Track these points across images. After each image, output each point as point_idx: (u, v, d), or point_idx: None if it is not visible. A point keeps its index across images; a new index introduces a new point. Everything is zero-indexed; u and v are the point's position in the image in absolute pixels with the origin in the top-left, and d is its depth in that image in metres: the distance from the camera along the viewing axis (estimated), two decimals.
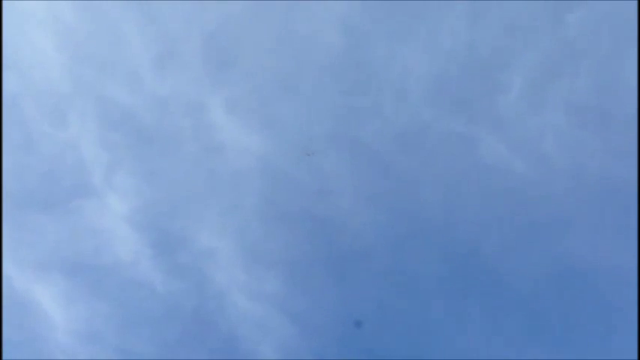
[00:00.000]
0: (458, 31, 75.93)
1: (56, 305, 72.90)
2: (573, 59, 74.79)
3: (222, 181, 76.64)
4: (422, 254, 75.03)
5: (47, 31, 75.67)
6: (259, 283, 74.39)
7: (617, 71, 73.48)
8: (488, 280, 74.02)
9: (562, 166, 74.31)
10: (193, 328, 73.56)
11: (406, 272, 74.72)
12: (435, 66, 76.66)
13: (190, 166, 76.47)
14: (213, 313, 73.86)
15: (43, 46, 75.67)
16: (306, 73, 77.43)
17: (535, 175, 74.61)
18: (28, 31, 75.50)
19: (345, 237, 75.80)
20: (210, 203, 76.25)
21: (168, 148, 76.42)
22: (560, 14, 74.25)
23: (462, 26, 75.85)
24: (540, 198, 74.48)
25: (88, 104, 76.25)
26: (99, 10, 75.55)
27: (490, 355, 70.61)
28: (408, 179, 76.29)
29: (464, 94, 76.31)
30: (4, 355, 67.77)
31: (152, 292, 73.80)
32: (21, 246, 73.01)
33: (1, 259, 70.03)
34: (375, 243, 75.49)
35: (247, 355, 72.66)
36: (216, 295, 74.18)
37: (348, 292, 74.55)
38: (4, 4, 73.02)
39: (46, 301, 72.72)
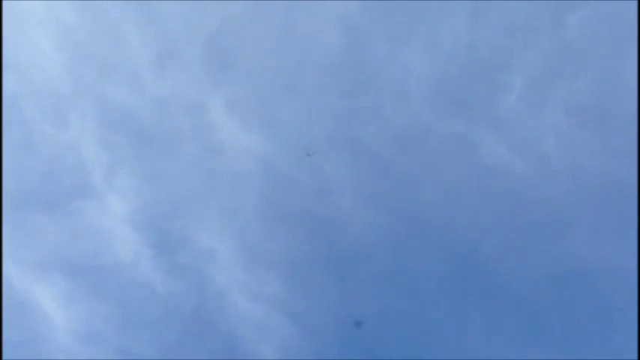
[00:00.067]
0: (458, 31, 76.03)
1: (56, 305, 72.94)
2: (573, 60, 74.91)
3: (222, 182, 76.73)
4: (422, 255, 75.15)
5: (47, 31, 75.72)
6: (259, 284, 74.46)
7: (618, 72, 73.57)
8: (489, 281, 74.15)
9: (562, 166, 74.41)
10: (193, 328, 73.64)
11: (406, 272, 74.82)
12: (435, 67, 76.76)
13: (190, 166, 76.52)
14: (214, 313, 73.92)
15: (44, 46, 75.70)
16: (306, 74, 77.50)
17: (535, 176, 74.73)
18: (28, 31, 75.51)
19: (345, 237, 75.94)
20: (211, 204, 76.33)
21: (168, 149, 76.51)
22: (560, 15, 74.32)
23: (462, 27, 75.94)
24: (540, 198, 74.59)
25: (88, 105, 76.34)
26: (99, 10, 75.55)
27: (490, 355, 70.63)
28: (408, 180, 76.39)
29: (464, 95, 76.40)
30: (5, 356, 67.70)
31: (152, 293, 73.88)
32: (21, 246, 73.05)
33: (1, 260, 69.98)
34: (375, 243, 75.61)
35: (247, 356, 72.77)
36: (217, 296, 74.29)
37: (348, 293, 74.67)
38: (5, 4, 72.95)
39: (46, 301, 72.78)
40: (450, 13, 75.87)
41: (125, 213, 75.19)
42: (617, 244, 72.22)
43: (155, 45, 76.69)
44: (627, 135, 71.77)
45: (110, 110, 76.34)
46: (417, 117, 76.72)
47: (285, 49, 77.43)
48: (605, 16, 73.33)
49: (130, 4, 75.61)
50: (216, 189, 76.43)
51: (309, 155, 74.40)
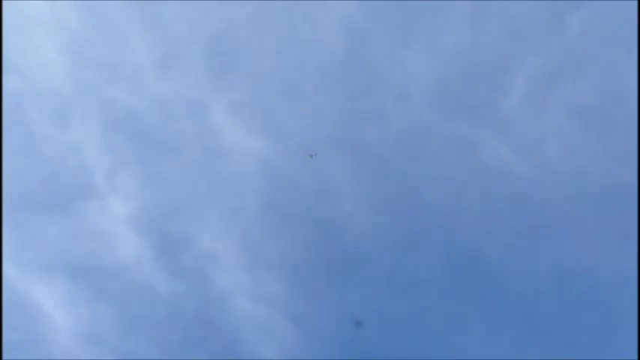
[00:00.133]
0: (460, 33, 76.32)
1: (58, 307, 72.73)
2: (575, 62, 75.31)
3: (224, 184, 76.75)
4: (424, 256, 75.25)
5: (49, 32, 75.70)
6: (261, 285, 74.40)
7: (619, 74, 73.96)
8: (490, 282, 74.24)
9: (564, 168, 74.72)
10: (195, 329, 73.43)
11: (408, 274, 74.87)
12: (437, 68, 77.01)
13: (192, 168, 76.58)
14: (215, 315, 73.79)
15: (45, 47, 75.71)
16: (308, 76, 77.70)
17: (537, 178, 75.03)
18: (30, 32, 75.47)
19: (347, 239, 75.96)
20: (212, 205, 76.30)
21: (170, 151, 76.53)
22: (561, 16, 74.62)
23: (464, 28, 76.29)
24: (542, 200, 74.80)
25: (90, 106, 76.34)
26: (102, 12, 75.60)
27: (491, 356, 70.65)
28: (410, 182, 76.53)
29: (466, 97, 76.63)
30: (5, 356, 67.43)
31: (154, 294, 73.66)
32: (23, 247, 72.83)
33: (1, 260, 69.81)
34: (377, 245, 75.67)
35: (249, 357, 72.66)
36: (218, 297, 74.15)
37: (350, 295, 74.58)
38: (6, 5, 72.88)
39: (47, 302, 72.56)
40: (452, 15, 76.24)
41: (127, 214, 75.17)
42: (618, 246, 72.46)
43: (157, 47, 76.83)
44: (629, 137, 72.07)
45: (112, 112, 76.40)
46: (418, 119, 77.01)
47: (287, 51, 77.66)
48: (606, 17, 73.74)
49: (133, 6, 75.68)
50: (218, 191, 76.53)
51: (311, 157, 74.48)
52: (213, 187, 76.50)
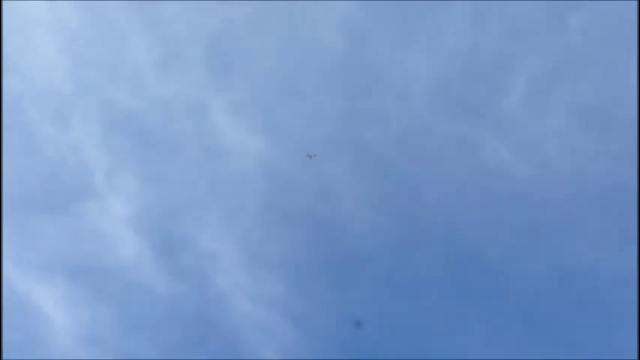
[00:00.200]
0: (460, 33, 76.38)
1: (58, 307, 72.70)
2: (575, 62, 75.39)
3: (224, 184, 76.77)
4: (423, 256, 75.28)
5: (50, 33, 75.68)
6: (261, 286, 74.39)
7: (620, 74, 73.96)
8: (490, 282, 74.24)
9: (564, 169, 74.77)
10: (195, 330, 73.40)
11: (408, 274, 74.89)
12: (437, 68, 77.08)
13: (192, 168, 76.61)
14: (215, 315, 73.75)
15: (46, 47, 75.70)
16: (308, 76, 77.73)
17: (537, 178, 75.06)
18: (30, 33, 75.45)
19: (347, 239, 75.98)
20: (213, 205, 76.33)
21: (170, 151, 76.55)
22: (561, 16, 74.66)
23: (464, 29, 76.36)
24: (542, 201, 74.85)
25: (90, 106, 76.36)
26: (102, 12, 75.59)
27: (492, 356, 70.66)
28: (410, 182, 76.56)
29: (466, 97, 76.68)
30: (5, 356, 67.37)
31: (154, 295, 73.62)
32: (23, 248, 72.80)
33: (1, 261, 69.76)
34: (377, 245, 75.70)
35: (249, 357, 72.64)
36: (218, 298, 74.10)
37: (350, 295, 74.57)
38: (7, 5, 72.82)
39: (47, 303, 72.52)
40: (452, 15, 76.33)
41: (127, 215, 75.16)
42: (618, 246, 72.50)
43: (157, 47, 76.89)
44: (629, 137, 72.11)
45: (112, 112, 76.43)
46: (418, 119, 77.08)
47: (287, 51, 77.70)
48: (606, 17, 73.79)
49: (133, 6, 75.72)
50: (218, 191, 76.55)
51: (311, 157, 74.44)
52: (213, 187, 76.57)
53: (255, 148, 76.62)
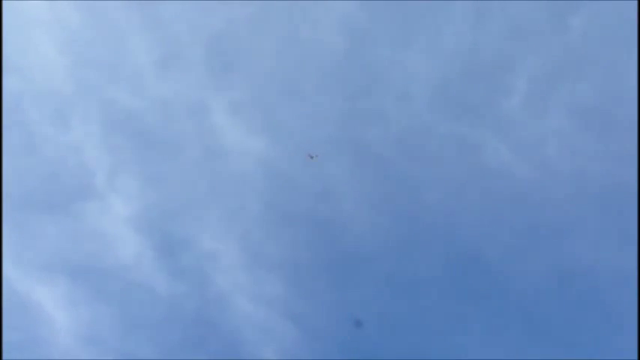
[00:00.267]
0: (461, 33, 76.35)
1: (58, 308, 72.71)
2: (576, 62, 75.37)
3: (224, 184, 76.75)
4: (424, 257, 75.30)
5: (50, 32, 75.64)
6: (261, 286, 74.40)
7: (621, 74, 73.97)
8: (490, 283, 74.27)
9: (564, 169, 74.78)
10: (195, 330, 73.42)
11: (408, 275, 74.89)
12: (437, 69, 77.05)
13: (193, 168, 76.56)
14: (216, 315, 73.78)
15: (46, 47, 75.64)
16: (308, 76, 77.69)
17: (538, 179, 75.08)
18: (30, 33, 75.40)
19: (348, 240, 75.97)
20: (213, 206, 76.31)
21: (170, 151, 76.49)
22: (562, 17, 74.69)
23: (464, 29, 76.32)
24: (543, 201, 74.86)
25: (90, 106, 76.29)
26: (102, 12, 75.53)
27: (492, 356, 70.69)
28: (411, 182, 76.53)
29: (467, 97, 76.66)
30: (5, 356, 67.35)
31: (154, 295, 73.63)
32: (23, 248, 72.78)
33: (1, 261, 69.75)
34: (378, 245, 75.68)
35: (249, 357, 72.67)
36: (219, 298, 74.11)
37: (351, 295, 74.59)
38: (7, 4, 72.76)
39: (47, 303, 72.53)
40: (452, 15, 76.27)
41: (127, 215, 75.14)
42: (618, 246, 72.54)
43: (158, 47, 76.82)
44: (629, 137, 72.17)
45: (112, 112, 76.35)
46: (419, 119, 77.06)
47: (287, 51, 77.65)
48: (607, 18, 73.79)
49: (133, 6, 75.65)
50: (218, 191, 76.52)
51: (312, 158, 74.43)
52: (214, 187, 76.54)
53: (255, 148, 76.66)
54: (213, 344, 72.87)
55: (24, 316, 71.77)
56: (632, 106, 72.64)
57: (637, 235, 70.15)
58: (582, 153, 74.58)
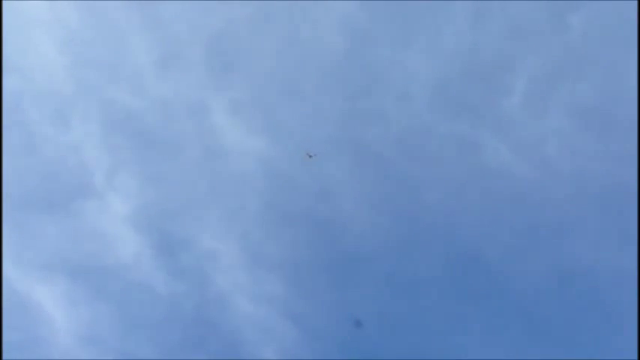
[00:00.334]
0: (461, 33, 76.39)
1: (58, 307, 72.73)
2: (576, 62, 75.40)
3: (224, 184, 76.76)
4: (424, 256, 75.30)
5: (50, 33, 75.71)
6: (261, 285, 74.41)
7: (620, 74, 73.98)
8: (490, 282, 74.23)
9: (564, 169, 74.80)
10: (195, 329, 73.43)
11: (408, 274, 74.88)
12: (437, 68, 77.10)
13: (192, 168, 76.58)
14: (215, 315, 73.77)
15: (46, 48, 75.71)
16: (308, 76, 77.75)
17: (537, 178, 75.08)
18: (30, 33, 75.49)
19: (347, 239, 75.99)
20: (213, 205, 76.33)
21: (170, 150, 76.55)
22: (562, 16, 74.71)
23: (464, 29, 76.38)
24: (542, 201, 74.85)
25: (90, 106, 76.40)
26: (102, 12, 75.60)
27: (492, 356, 70.65)
28: (411, 182, 76.56)
29: (466, 97, 76.70)
30: (5, 356, 67.35)
31: (154, 294, 73.65)
32: (23, 247, 72.82)
33: (1, 260, 69.75)
34: (377, 245, 75.69)
35: (249, 357, 72.65)
36: (218, 297, 74.11)
37: (350, 295, 74.56)
38: (7, 4, 72.82)
39: (47, 302, 72.55)
40: (452, 15, 76.39)
41: (127, 214, 75.17)
42: (618, 246, 72.53)
43: (157, 47, 76.94)
44: (629, 137, 72.17)
45: (112, 112, 76.46)
46: (419, 119, 77.11)
47: (288, 51, 77.72)
48: (607, 17, 73.83)
49: (133, 6, 75.72)
50: (218, 191, 76.55)
51: (311, 157, 74.42)
52: (213, 187, 76.56)
53: (255, 148, 76.69)
54: (213, 344, 72.95)
55: (24, 315, 71.78)
56: (632, 106, 72.65)
57: (637, 235, 70.07)
58: (582, 153, 74.62)
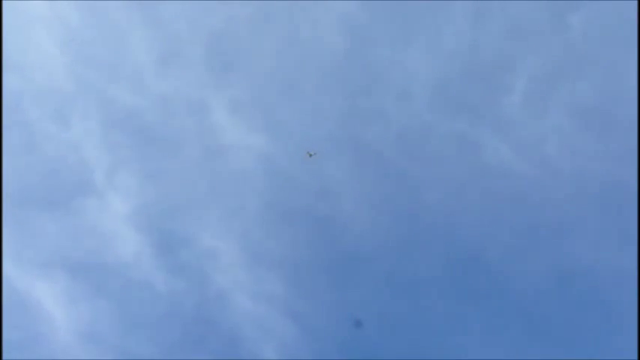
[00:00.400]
0: (461, 32, 76.57)
1: (57, 304, 72.67)
2: (576, 62, 75.54)
3: (224, 182, 76.79)
4: (424, 255, 75.26)
5: (50, 31, 75.95)
6: (261, 284, 74.37)
7: (620, 74, 74.10)
8: (490, 281, 74.20)
9: (564, 168, 74.86)
10: (195, 327, 73.39)
11: (408, 273, 74.87)
12: (437, 68, 77.24)
13: (192, 166, 76.67)
14: (215, 313, 73.70)
15: (46, 46, 75.96)
16: (308, 75, 77.94)
17: (537, 177, 75.13)
18: (31, 31, 75.69)
19: (347, 238, 76.02)
20: (213, 203, 76.39)
21: (170, 148, 76.65)
22: (562, 16, 74.88)
23: (464, 28, 76.55)
24: (542, 200, 74.87)
25: (90, 104, 76.60)
26: (102, 11, 75.80)
27: (492, 356, 70.57)
28: (411, 181, 76.64)
29: (467, 96, 76.83)
30: (5, 355, 67.35)
31: (154, 292, 73.64)
32: (23, 245, 72.85)
33: (1, 259, 69.79)
34: (377, 244, 75.71)
35: (249, 356, 72.51)
36: (218, 295, 74.07)
37: (350, 293, 74.54)
38: (8, 4, 73.03)
39: (47, 300, 72.54)
40: (453, 14, 76.57)
41: (127, 212, 75.21)
42: (618, 246, 72.51)
43: (158, 45, 77.21)
44: (629, 137, 72.22)
45: (113, 110, 76.62)
46: (419, 118, 77.21)
47: (288, 50, 77.92)
48: (607, 17, 74.00)
49: (133, 5, 75.98)
50: (218, 189, 76.60)
51: (311, 155, 74.47)
52: (213, 185, 76.62)
53: (255, 147, 76.78)
54: (213, 342, 72.89)
55: (24, 313, 71.77)
56: (632, 106, 72.72)
57: (637, 235, 70.02)
58: (582, 152, 74.69)
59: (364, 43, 77.85)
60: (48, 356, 71.05)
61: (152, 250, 74.47)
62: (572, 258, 73.53)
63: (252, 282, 74.34)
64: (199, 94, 77.31)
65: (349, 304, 74.04)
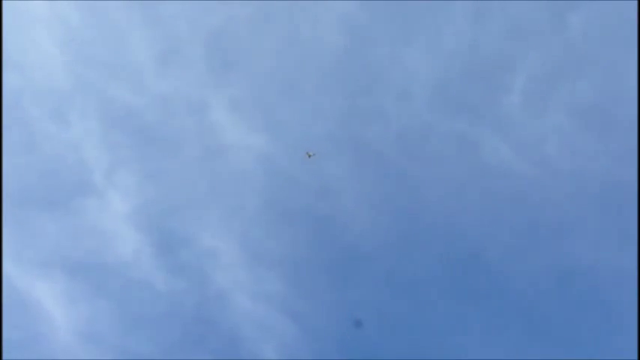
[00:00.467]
0: (461, 32, 76.62)
1: (57, 304, 72.65)
2: (576, 61, 75.57)
3: (224, 181, 76.82)
4: (423, 255, 75.30)
5: (50, 30, 75.93)
6: (261, 283, 74.37)
7: (620, 73, 74.15)
8: (490, 281, 74.22)
9: (564, 167, 74.85)
10: (194, 327, 73.38)
11: (408, 273, 74.87)
12: (437, 67, 77.26)
13: (192, 165, 76.68)
14: (215, 312, 73.71)
15: (46, 45, 75.93)
16: (308, 74, 77.93)
17: (537, 177, 75.12)
18: (31, 31, 75.69)
19: (347, 237, 76.05)
20: (212, 203, 76.41)
21: (170, 148, 76.65)
22: (562, 16, 74.95)
23: (464, 27, 76.56)
24: (542, 200, 74.89)
25: (90, 103, 76.58)
26: (102, 10, 75.79)
27: (491, 356, 70.56)
28: (411, 181, 76.65)
29: (466, 96, 76.85)
30: (5, 355, 67.32)
31: (153, 292, 73.61)
32: (22, 245, 72.82)
33: (1, 258, 69.77)
34: (377, 243, 75.73)
35: (248, 355, 72.48)
36: (218, 295, 74.06)
37: (350, 293, 74.53)
38: (7, 3, 73.06)
39: (47, 300, 72.52)
40: (453, 14, 76.60)
41: (127, 212, 75.19)
42: (618, 246, 72.52)
43: (157, 44, 77.15)
44: (629, 137, 72.24)
45: (112, 109, 76.58)
46: (419, 117, 77.23)
47: (288, 50, 77.93)
48: (607, 17, 74.03)
49: (133, 5, 76.01)
50: (218, 188, 76.61)
51: (310, 156, 74.46)
52: (213, 184, 76.63)
53: (255, 146, 76.79)
54: (213, 342, 72.88)
55: (24, 313, 71.74)
56: (632, 105, 72.73)
57: (637, 235, 70.01)
58: (582, 152, 74.70)
59: (364, 42, 77.90)
60: (48, 356, 70.97)
61: (152, 250, 74.55)
62: (572, 258, 73.57)
63: (252, 282, 74.40)
64: (199, 94, 77.36)
65: (349, 303, 74.10)
